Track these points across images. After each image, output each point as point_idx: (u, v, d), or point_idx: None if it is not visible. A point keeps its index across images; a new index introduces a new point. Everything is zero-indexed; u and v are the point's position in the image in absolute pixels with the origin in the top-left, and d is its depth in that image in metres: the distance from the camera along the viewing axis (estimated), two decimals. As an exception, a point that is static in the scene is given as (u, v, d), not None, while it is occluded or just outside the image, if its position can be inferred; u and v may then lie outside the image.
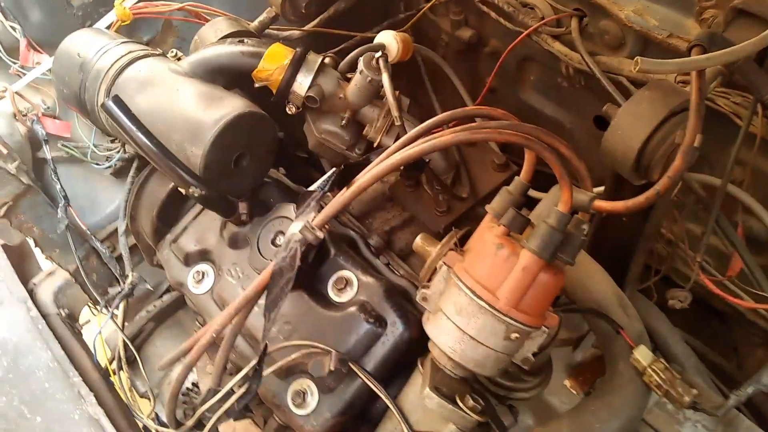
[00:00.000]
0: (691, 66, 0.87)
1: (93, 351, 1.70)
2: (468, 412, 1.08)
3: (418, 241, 1.27)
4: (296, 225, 1.08)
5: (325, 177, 1.10)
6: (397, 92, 1.33)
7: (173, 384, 1.17)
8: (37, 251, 1.89)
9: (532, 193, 1.33)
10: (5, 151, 1.47)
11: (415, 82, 2.15)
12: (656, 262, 1.71)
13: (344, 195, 1.05)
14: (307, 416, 1.19)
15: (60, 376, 1.54)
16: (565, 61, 1.52)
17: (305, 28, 1.75)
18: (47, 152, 1.57)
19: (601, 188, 1.34)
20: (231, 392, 1.13)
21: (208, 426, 1.12)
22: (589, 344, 1.62)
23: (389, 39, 1.43)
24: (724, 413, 1.17)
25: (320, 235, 1.04)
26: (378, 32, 1.82)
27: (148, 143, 1.10)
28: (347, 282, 1.27)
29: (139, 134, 1.09)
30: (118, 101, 1.07)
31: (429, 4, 1.74)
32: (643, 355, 1.15)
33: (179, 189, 1.20)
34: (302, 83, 1.33)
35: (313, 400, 1.20)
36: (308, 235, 1.04)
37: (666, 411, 1.50)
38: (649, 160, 1.05)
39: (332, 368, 1.13)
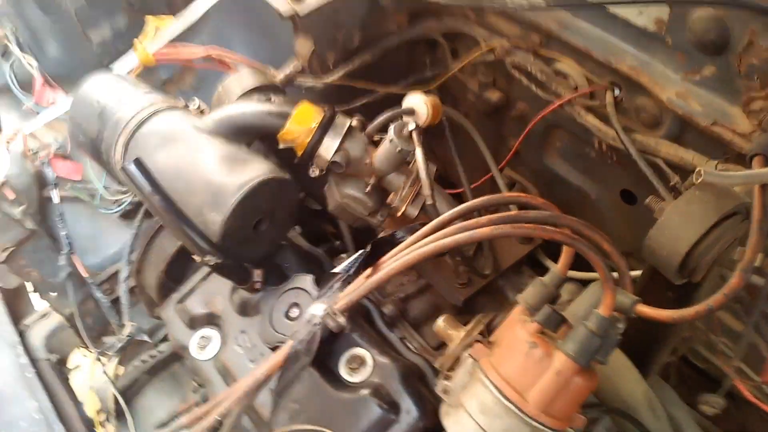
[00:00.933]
0: (758, 180, 0.81)
1: (81, 401, 1.63)
2: None
3: (441, 323, 1.20)
4: (317, 307, 1.02)
5: (351, 259, 1.04)
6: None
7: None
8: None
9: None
10: (12, 197, 1.40)
11: (432, 134, 2.10)
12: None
13: (371, 280, 0.99)
14: (311, 507, 1.11)
15: (44, 429, 1.48)
16: (599, 136, 1.47)
17: (329, 80, 1.70)
18: (55, 197, 1.51)
19: (637, 273, 1.28)
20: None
21: None
22: (601, 429, 1.54)
23: (419, 103, 1.38)
24: None
25: (343, 322, 0.98)
26: (403, 87, 1.80)
27: (167, 210, 1.04)
28: (361, 361, 1.20)
29: (158, 200, 1.03)
30: (140, 165, 1.01)
31: (460, 65, 1.69)
32: (676, 470, 1.08)
33: (193, 256, 1.13)
34: (328, 147, 1.27)
35: (317, 489, 1.12)
36: (331, 322, 0.97)
37: None
38: (696, 263, 0.99)
39: (341, 458, 1.06)
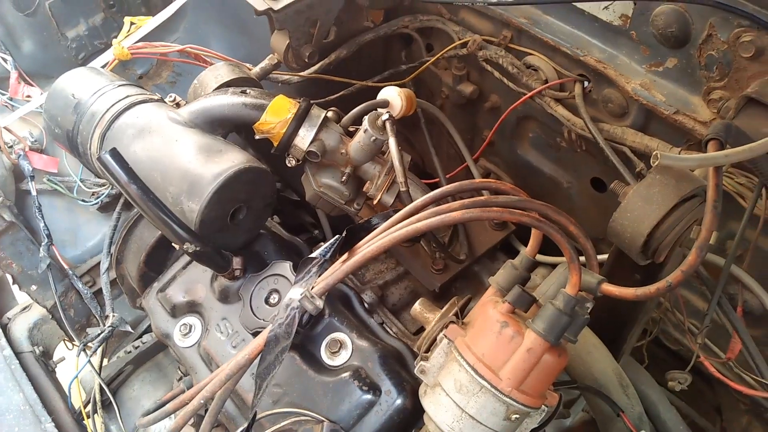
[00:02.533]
0: (711, 163, 0.86)
1: (68, 393, 1.63)
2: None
3: (417, 306, 1.23)
4: (295, 291, 1.05)
5: (327, 244, 1.07)
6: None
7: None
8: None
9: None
10: (-12, 189, 1.41)
11: (410, 126, 2.14)
12: (647, 324, 1.70)
13: (347, 264, 1.02)
14: (295, 487, 1.14)
15: (31, 420, 1.48)
16: (568, 126, 1.52)
17: (305, 73, 1.72)
18: (32, 189, 1.52)
19: (604, 256, 1.33)
20: (215, 459, 1.08)
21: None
22: (578, 409, 1.59)
23: (393, 95, 1.42)
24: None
25: (320, 305, 1.01)
26: (379, 81, 1.83)
27: (144, 199, 1.06)
28: (341, 345, 1.23)
29: (135, 189, 1.05)
30: (116, 155, 1.03)
31: (433, 59, 1.73)
32: (644, 442, 1.13)
33: (173, 244, 1.15)
34: (304, 137, 1.30)
35: (300, 469, 1.15)
36: (308, 305, 1.00)
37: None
38: (658, 244, 1.04)
39: (323, 439, 1.09)
